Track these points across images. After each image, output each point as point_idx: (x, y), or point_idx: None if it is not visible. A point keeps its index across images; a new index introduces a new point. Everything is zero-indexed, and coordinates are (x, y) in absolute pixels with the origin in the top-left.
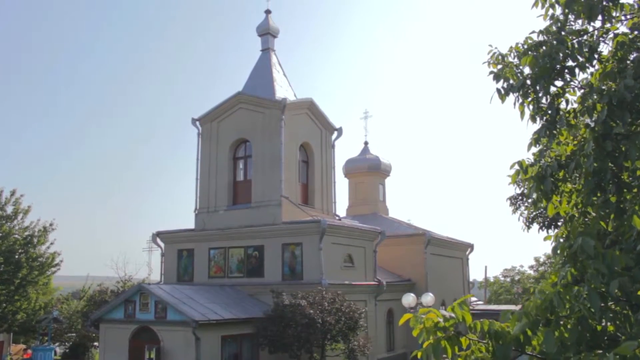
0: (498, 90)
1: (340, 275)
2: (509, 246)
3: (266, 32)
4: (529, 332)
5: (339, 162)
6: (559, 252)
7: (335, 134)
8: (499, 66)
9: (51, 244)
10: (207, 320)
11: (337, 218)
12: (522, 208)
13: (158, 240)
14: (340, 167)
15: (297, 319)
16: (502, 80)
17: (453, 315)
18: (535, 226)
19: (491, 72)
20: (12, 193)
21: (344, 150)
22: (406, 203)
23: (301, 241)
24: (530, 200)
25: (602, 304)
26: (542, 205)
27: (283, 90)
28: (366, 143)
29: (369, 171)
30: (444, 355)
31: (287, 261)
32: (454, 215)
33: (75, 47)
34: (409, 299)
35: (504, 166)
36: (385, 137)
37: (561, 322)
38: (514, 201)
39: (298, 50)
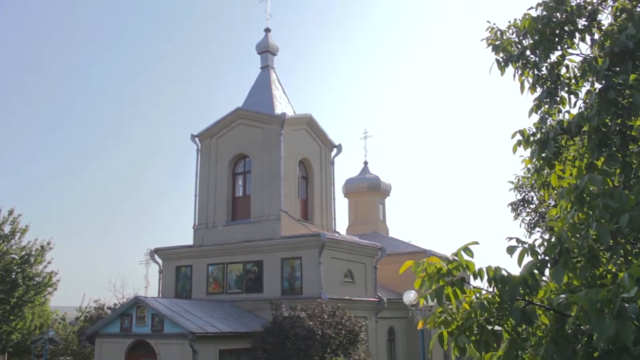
0: (497, 61)
1: (340, 290)
2: (511, 265)
3: (266, 50)
4: (538, 276)
5: (339, 182)
6: (565, 195)
7: (335, 150)
8: (498, 42)
9: (48, 263)
10: (204, 333)
11: (337, 234)
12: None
13: (156, 256)
14: (340, 187)
15: (296, 332)
16: (501, 53)
17: (457, 258)
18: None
19: (490, 45)
20: (10, 212)
21: (344, 170)
22: (407, 223)
23: (300, 255)
24: (531, 167)
25: (612, 241)
26: (544, 172)
27: (282, 106)
28: (366, 163)
29: (369, 190)
30: (447, 302)
31: (287, 276)
32: (455, 234)
33: (78, 72)
34: (410, 297)
35: (504, 177)
36: (385, 156)
37: (570, 264)
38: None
39: (297, 69)
